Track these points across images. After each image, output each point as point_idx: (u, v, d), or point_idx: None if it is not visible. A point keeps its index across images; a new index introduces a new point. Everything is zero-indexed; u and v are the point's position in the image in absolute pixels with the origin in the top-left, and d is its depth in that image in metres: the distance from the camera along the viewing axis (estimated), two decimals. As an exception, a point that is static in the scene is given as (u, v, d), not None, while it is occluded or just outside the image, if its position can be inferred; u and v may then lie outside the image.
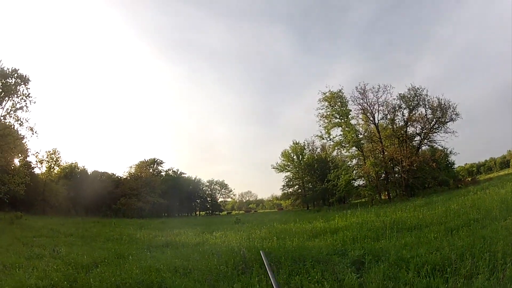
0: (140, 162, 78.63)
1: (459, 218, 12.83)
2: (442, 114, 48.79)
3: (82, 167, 68.26)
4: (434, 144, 50.84)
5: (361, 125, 54.67)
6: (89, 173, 68.85)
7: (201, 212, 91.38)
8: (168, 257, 10.95)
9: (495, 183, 28.21)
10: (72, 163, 65.47)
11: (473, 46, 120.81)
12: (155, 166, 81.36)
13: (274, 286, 1.87)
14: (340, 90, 53.34)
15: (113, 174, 72.50)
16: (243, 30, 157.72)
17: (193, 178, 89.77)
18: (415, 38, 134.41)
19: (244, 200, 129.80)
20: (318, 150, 69.97)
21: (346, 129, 52.79)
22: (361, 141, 53.19)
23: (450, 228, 10.99)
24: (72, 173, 63.68)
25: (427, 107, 50.10)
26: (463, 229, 10.43)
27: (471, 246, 7.92)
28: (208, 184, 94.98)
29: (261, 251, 2.12)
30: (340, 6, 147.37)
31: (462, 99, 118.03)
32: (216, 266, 8.60)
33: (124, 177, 73.76)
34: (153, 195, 68.32)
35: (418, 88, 50.19)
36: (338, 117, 54.11)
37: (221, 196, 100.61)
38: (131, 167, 77.38)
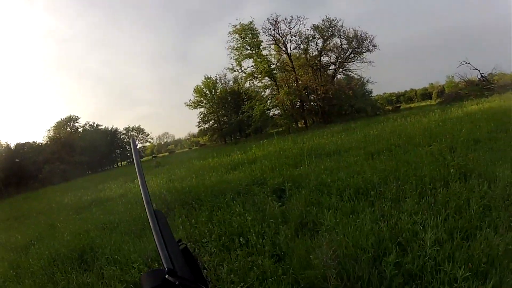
0: (57, 122, 72.03)
1: (379, 143, 12.52)
2: (358, 45, 49.71)
3: (6, 144, 61.45)
4: (350, 73, 52.29)
5: (273, 56, 54.14)
6: (12, 148, 62.00)
7: (122, 162, 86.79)
8: (94, 216, 10.67)
9: (416, 112, 28.28)
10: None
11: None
12: (71, 123, 74.93)
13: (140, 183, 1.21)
14: (251, 22, 51.85)
15: (34, 142, 66.37)
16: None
17: (110, 129, 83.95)
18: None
19: (163, 142, 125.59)
20: (231, 83, 68.27)
21: (258, 60, 52.41)
22: (274, 71, 53.23)
23: (371, 153, 10.74)
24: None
25: (342, 37, 50.50)
26: (384, 153, 10.14)
27: (394, 170, 7.55)
28: (125, 132, 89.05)
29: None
30: None
31: (387, 36, 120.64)
32: (140, 215, 8.47)
33: (44, 142, 67.82)
34: (74, 154, 64.00)
35: (333, 20, 49.98)
36: (249, 48, 53.20)
37: (139, 142, 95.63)
38: (49, 130, 70.80)
